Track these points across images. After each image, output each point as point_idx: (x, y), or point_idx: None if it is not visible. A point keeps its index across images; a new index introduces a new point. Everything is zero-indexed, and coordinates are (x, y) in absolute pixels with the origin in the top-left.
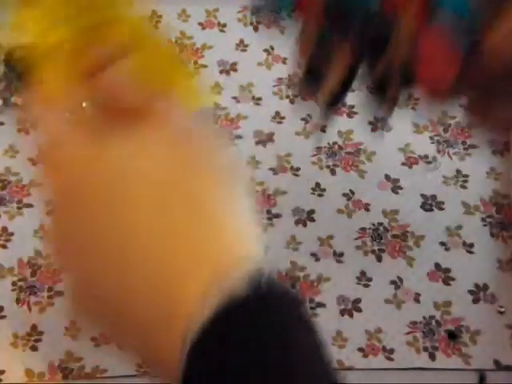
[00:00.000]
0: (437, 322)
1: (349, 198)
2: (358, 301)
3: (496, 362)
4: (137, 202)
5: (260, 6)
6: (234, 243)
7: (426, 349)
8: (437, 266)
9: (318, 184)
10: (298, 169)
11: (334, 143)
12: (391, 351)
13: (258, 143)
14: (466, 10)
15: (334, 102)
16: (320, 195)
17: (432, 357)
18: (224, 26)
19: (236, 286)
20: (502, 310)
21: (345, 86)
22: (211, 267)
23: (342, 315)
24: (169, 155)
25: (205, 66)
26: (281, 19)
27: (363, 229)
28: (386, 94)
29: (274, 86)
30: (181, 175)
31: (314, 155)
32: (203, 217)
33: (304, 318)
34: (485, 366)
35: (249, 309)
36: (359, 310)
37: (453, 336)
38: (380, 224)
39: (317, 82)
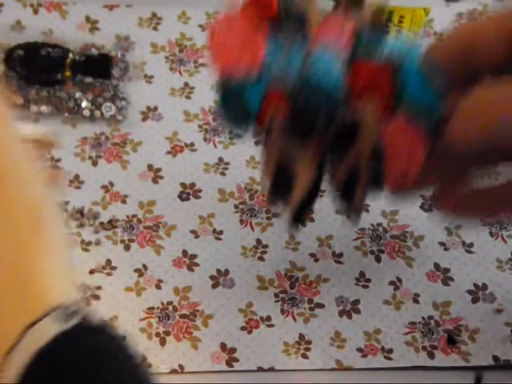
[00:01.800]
0: (436, 321)
1: None
2: (356, 302)
3: (495, 358)
4: None
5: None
6: (44, 290)
7: (424, 348)
8: (436, 266)
9: None
10: None
11: None
12: (390, 351)
13: (257, 143)
14: (429, 96)
15: (301, 213)
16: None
17: (431, 356)
18: None
19: (45, 334)
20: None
21: (310, 196)
22: (19, 318)
23: (341, 316)
24: None
25: (205, 65)
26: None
27: (362, 229)
28: (352, 199)
29: None
30: None
31: None
32: (12, 266)
33: (116, 350)
34: (484, 362)
35: (56, 357)
36: (358, 311)
37: (452, 341)
38: (379, 225)
39: (283, 196)
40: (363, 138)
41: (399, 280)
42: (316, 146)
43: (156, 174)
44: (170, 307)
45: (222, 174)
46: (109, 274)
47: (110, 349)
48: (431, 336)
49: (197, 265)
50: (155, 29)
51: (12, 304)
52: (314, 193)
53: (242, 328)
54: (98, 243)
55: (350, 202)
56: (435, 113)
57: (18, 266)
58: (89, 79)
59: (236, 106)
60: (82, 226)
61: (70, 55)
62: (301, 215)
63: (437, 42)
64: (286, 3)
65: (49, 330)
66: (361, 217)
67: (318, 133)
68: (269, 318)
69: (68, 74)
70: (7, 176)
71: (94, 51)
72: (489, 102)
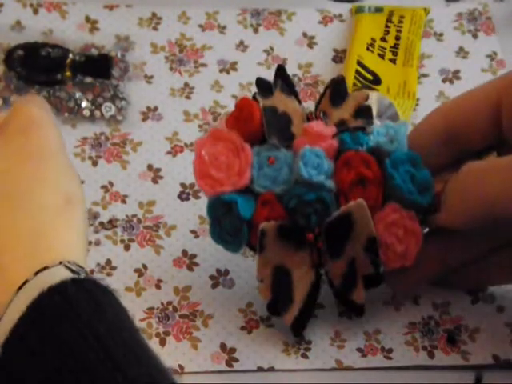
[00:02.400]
0: (436, 322)
1: None
2: None
3: (495, 357)
4: None
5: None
6: (58, 251)
7: (424, 348)
8: None
9: None
10: None
11: None
12: (390, 351)
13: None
14: (417, 185)
15: (304, 319)
16: None
17: (431, 355)
18: (224, 28)
19: (56, 276)
20: None
21: (311, 300)
22: (32, 265)
23: (341, 316)
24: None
25: (204, 65)
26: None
27: None
28: (351, 299)
29: None
30: (19, 183)
31: None
32: (33, 231)
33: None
34: (484, 361)
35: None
36: None
37: (452, 340)
38: None
39: (284, 304)
40: (357, 230)
41: None
42: (311, 245)
43: (156, 174)
44: (170, 307)
45: None
46: (109, 274)
47: (115, 307)
48: (431, 336)
49: (197, 265)
50: (155, 29)
51: (27, 249)
52: (314, 296)
53: (242, 328)
54: (97, 243)
55: (351, 298)
56: (424, 200)
57: (39, 226)
58: (89, 79)
59: (229, 217)
60: None
61: (70, 55)
62: (303, 321)
63: (421, 126)
64: (268, 115)
65: (60, 274)
66: (364, 310)
67: (312, 229)
68: (269, 318)
69: (68, 74)
70: (51, 159)
71: (94, 51)
72: (475, 185)
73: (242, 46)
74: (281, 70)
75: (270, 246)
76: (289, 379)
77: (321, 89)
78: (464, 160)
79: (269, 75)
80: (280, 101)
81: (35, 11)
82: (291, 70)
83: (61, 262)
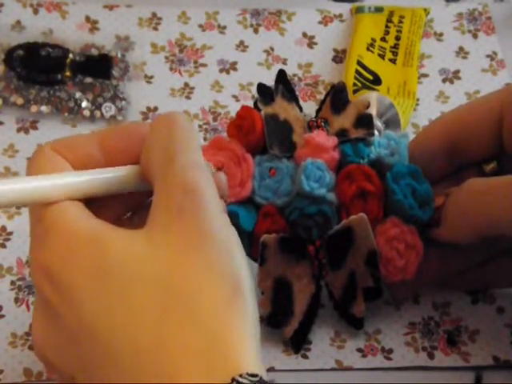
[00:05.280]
0: (436, 322)
1: None
2: None
3: (495, 358)
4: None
5: None
6: (233, 355)
7: (424, 348)
8: None
9: None
10: None
11: None
12: (390, 351)
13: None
14: (418, 200)
15: (304, 333)
16: None
17: (431, 356)
18: (224, 28)
19: None
20: None
21: (311, 314)
22: (208, 378)
23: (341, 317)
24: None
25: (204, 65)
26: None
27: None
28: (351, 312)
29: None
30: (190, 285)
31: None
32: (204, 331)
33: None
34: (484, 362)
35: None
36: None
37: (452, 342)
38: None
39: (284, 317)
40: (358, 243)
41: None
42: (312, 257)
43: None
44: None
45: None
46: None
47: None
48: (431, 337)
49: None
50: (155, 29)
51: (201, 365)
52: (314, 308)
53: None
54: None
55: (351, 311)
56: (424, 216)
57: (209, 331)
58: (89, 79)
59: None
60: None
61: (70, 55)
62: (303, 334)
63: (421, 137)
64: (269, 124)
65: None
66: (364, 325)
67: (313, 242)
68: None
69: (68, 73)
70: (213, 241)
71: (94, 51)
72: (476, 203)
73: (241, 45)
74: (282, 75)
75: (271, 258)
76: (289, 379)
77: (321, 89)
78: (464, 170)
79: (269, 75)
80: (281, 107)
81: (35, 11)
82: (291, 70)
83: (233, 379)
